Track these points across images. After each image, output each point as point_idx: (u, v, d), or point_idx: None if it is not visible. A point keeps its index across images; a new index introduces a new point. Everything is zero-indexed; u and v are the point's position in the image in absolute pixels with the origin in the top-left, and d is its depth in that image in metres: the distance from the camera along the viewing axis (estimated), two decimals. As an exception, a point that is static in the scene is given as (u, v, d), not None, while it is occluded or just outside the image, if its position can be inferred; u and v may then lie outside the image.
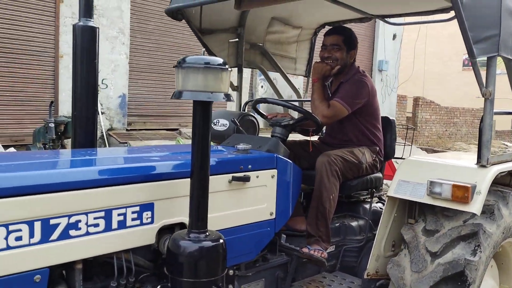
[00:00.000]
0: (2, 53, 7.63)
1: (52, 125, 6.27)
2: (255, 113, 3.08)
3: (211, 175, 1.97)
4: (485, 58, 2.35)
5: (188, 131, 9.88)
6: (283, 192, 2.36)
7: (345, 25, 3.73)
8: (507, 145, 15.74)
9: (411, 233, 2.49)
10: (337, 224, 2.94)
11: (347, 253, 2.93)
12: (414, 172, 2.55)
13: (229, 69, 1.71)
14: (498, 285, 2.82)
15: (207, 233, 1.73)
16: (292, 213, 2.55)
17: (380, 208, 3.22)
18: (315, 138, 3.21)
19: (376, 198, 3.41)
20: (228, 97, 1.68)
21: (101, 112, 8.66)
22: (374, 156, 2.97)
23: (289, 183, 2.41)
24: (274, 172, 2.29)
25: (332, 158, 2.67)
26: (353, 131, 2.98)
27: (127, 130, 9.42)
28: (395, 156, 3.25)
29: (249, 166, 2.17)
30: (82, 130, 2.31)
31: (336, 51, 2.97)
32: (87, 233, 1.63)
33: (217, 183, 2.04)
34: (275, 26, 3.82)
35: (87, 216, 1.63)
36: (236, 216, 2.14)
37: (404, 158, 3.12)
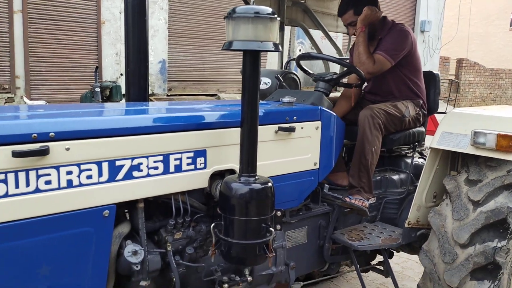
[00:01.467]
0: (47, 21, 7.91)
1: (98, 89, 6.52)
2: (298, 70, 3.13)
3: (260, 125, 2.08)
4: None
5: (226, 96, 10.01)
6: (326, 143, 2.44)
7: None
8: None
9: (453, 183, 2.52)
10: (378, 178, 2.99)
11: (388, 205, 3.00)
12: (458, 124, 2.56)
13: (278, 18, 1.77)
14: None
15: (257, 177, 1.85)
16: (334, 168, 2.63)
17: (422, 162, 3.24)
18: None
19: (417, 154, 3.43)
20: (276, 46, 1.74)
21: (142, 78, 8.87)
22: (418, 109, 2.98)
23: (332, 135, 2.48)
24: (318, 124, 2.37)
25: (375, 111, 2.71)
26: (396, 84, 2.98)
27: (167, 95, 9.66)
28: (438, 111, 3.24)
29: (294, 118, 2.25)
30: (136, 86, 2.44)
31: (358, 26, 2.91)
32: (148, 175, 1.78)
33: (264, 133, 2.13)
34: (317, -18, 3.80)
35: (147, 159, 1.77)
36: (282, 165, 2.25)
37: (445, 112, 3.12)
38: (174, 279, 1.93)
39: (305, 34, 4.00)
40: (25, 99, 6.43)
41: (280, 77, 2.94)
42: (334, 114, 2.48)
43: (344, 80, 3.02)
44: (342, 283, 3.92)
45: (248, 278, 2.16)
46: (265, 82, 3.47)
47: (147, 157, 1.77)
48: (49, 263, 1.57)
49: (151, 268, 1.83)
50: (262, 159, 2.13)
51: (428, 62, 14.11)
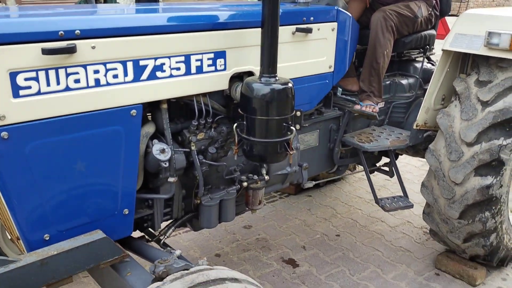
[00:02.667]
0: None
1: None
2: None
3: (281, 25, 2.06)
4: None
5: None
6: (342, 46, 2.43)
7: None
8: None
9: (463, 85, 2.57)
10: (387, 82, 3.02)
11: (396, 109, 3.06)
12: (472, 25, 2.54)
13: None
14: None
15: (277, 78, 1.87)
16: (345, 74, 2.64)
17: (430, 67, 3.26)
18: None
19: (425, 59, 3.43)
20: None
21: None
22: (430, 9, 2.92)
23: (347, 38, 2.46)
24: (334, 25, 2.34)
25: (387, 13, 2.66)
26: None
27: None
28: (450, 13, 3.18)
29: (311, 18, 2.21)
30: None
31: None
32: (171, 76, 1.79)
33: (282, 34, 2.10)
34: None
35: (169, 59, 1.77)
36: (299, 67, 2.26)
37: (458, 15, 3.07)
38: (197, 177, 2.03)
39: None
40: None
41: None
42: (350, 15, 2.44)
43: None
44: (345, 186, 4.13)
45: (266, 177, 2.28)
46: None
47: (169, 57, 1.77)
48: (84, 160, 1.64)
49: (178, 165, 1.91)
50: (280, 61, 2.13)
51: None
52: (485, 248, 2.62)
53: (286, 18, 2.13)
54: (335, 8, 2.34)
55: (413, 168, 4.47)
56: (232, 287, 1.53)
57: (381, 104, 2.95)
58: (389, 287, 2.76)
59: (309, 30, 2.17)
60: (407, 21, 2.77)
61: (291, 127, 1.88)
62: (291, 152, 1.91)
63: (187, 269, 1.61)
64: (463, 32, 2.55)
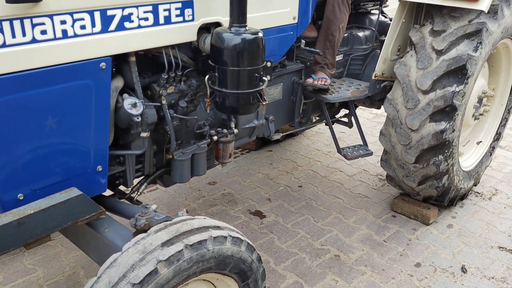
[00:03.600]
0: None
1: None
2: None
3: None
4: None
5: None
6: (303, -4, 2.43)
7: None
8: None
9: (419, 35, 2.68)
10: (345, 35, 3.08)
11: (354, 62, 3.15)
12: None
13: None
14: (487, 85, 3.16)
15: (247, 28, 1.86)
16: None
17: (386, 18, 3.34)
18: None
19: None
20: None
21: None
22: None
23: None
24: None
25: None
26: None
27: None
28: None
29: None
30: None
31: None
32: (139, 26, 1.73)
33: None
34: None
35: (137, 9, 1.70)
36: (262, 19, 2.24)
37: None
38: (169, 132, 2.02)
39: None
40: None
41: None
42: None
43: None
44: (303, 140, 4.24)
45: (235, 130, 2.30)
46: None
47: (137, 7, 1.70)
48: (54, 116, 1.58)
49: (149, 120, 1.89)
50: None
51: None
52: (438, 189, 2.83)
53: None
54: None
55: (365, 121, 4.66)
56: (216, 234, 1.58)
57: (339, 57, 3.02)
58: (350, 230, 2.93)
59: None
60: None
61: (263, 78, 1.90)
62: (263, 103, 1.93)
63: (169, 220, 1.63)
64: (418, -17, 2.63)
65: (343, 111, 3.35)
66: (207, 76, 1.92)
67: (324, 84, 2.72)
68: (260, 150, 4.00)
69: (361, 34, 3.15)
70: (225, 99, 1.91)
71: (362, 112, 4.75)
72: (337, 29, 2.75)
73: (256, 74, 1.89)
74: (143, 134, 1.86)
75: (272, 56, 2.41)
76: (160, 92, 1.93)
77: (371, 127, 4.48)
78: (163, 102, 1.94)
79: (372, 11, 3.30)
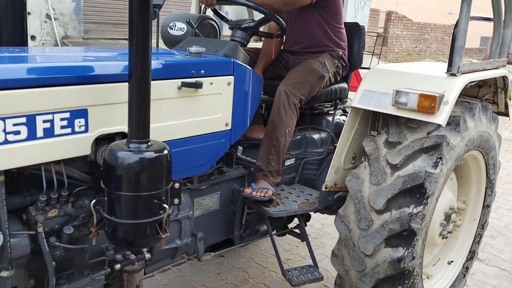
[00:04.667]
0: None
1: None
2: (216, 16, 2.78)
3: (157, 79, 1.76)
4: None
5: (150, 41, 9.32)
6: (240, 101, 2.16)
7: None
8: (472, 62, 15.83)
9: (372, 145, 2.39)
10: (298, 137, 2.81)
11: (307, 166, 2.84)
12: (380, 82, 2.39)
13: None
14: (456, 198, 2.83)
15: (149, 143, 1.55)
16: (251, 122, 2.38)
17: (344, 120, 3.10)
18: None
19: (340, 111, 3.29)
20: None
21: (54, 18, 7.97)
22: (336, 61, 2.78)
23: (247, 92, 2.20)
24: (231, 79, 2.07)
25: (290, 88, 2.48)
26: (314, 30, 2.74)
27: (83, 38, 8.79)
28: (362, 66, 3.07)
29: (202, 72, 1.93)
30: (10, 26, 2.01)
31: None
32: (6, 142, 1.41)
33: (165, 89, 1.82)
34: None
35: (4, 122, 1.40)
36: (187, 126, 1.95)
37: (369, 68, 2.95)
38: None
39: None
40: None
41: (193, 23, 2.58)
42: (250, 68, 2.19)
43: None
44: (262, 242, 3.82)
45: (146, 255, 1.91)
46: (179, 28, 3.08)
47: (3, 119, 1.39)
48: None
49: (15, 254, 1.50)
50: (163, 120, 1.85)
51: (359, 14, 14.08)
52: (400, 324, 2.39)
53: (170, 71, 1.83)
54: (232, 60, 2.08)
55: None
56: None
57: (291, 161, 2.72)
58: None
59: (198, 85, 1.89)
60: (312, 86, 2.60)
61: (164, 205, 1.55)
62: (163, 236, 1.57)
63: None
64: (372, 89, 2.39)
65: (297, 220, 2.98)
66: (93, 201, 1.57)
67: (264, 196, 2.38)
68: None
69: (316, 136, 2.88)
70: (116, 230, 1.54)
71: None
72: (283, 134, 2.47)
73: (156, 201, 1.54)
74: (3, 274, 1.47)
75: (198, 167, 2.09)
76: (36, 217, 1.56)
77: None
78: (39, 229, 1.56)
79: (329, 112, 3.06)
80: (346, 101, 3.15)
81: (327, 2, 2.69)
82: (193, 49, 2.00)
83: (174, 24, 3.11)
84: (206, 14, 3.31)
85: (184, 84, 1.85)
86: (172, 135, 1.89)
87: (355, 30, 2.96)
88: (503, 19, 2.56)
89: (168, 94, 1.83)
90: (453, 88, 2.19)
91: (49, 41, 8.04)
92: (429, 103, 2.14)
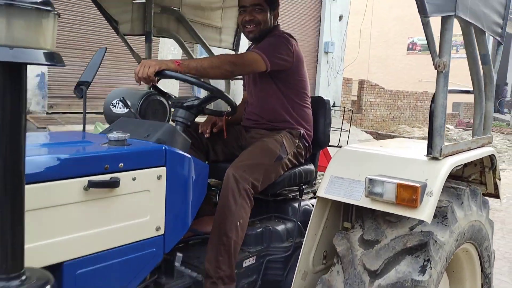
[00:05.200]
0: None
1: None
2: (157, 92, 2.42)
3: (53, 180, 1.34)
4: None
5: (118, 114, 9.01)
6: (176, 197, 1.73)
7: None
8: (449, 128, 15.97)
9: (345, 244, 1.96)
10: (259, 230, 2.36)
11: (271, 265, 2.37)
12: (350, 166, 2.02)
13: (54, 11, 1.05)
14: (448, 297, 2.38)
15: (24, 277, 1.08)
16: (199, 212, 1.94)
17: (313, 205, 2.68)
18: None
19: (311, 193, 2.89)
20: (53, 58, 1.02)
21: (14, 93, 7.63)
22: (297, 141, 2.41)
23: (186, 185, 1.78)
24: (162, 171, 1.66)
25: (240, 172, 2.09)
26: (275, 106, 2.41)
27: (48, 113, 8.42)
28: (330, 144, 2.71)
29: (120, 165, 1.52)
30: None
31: (259, 12, 2.38)
32: None
33: (64, 191, 1.38)
34: (193, -13, 3.15)
35: None
36: (100, 236, 1.49)
37: (340, 146, 2.59)
38: None
39: (181, 47, 3.32)
40: None
41: (126, 101, 2.21)
42: (189, 156, 1.79)
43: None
44: None
45: None
46: (123, 105, 2.72)
47: None
48: None
49: None
50: (64, 232, 1.39)
51: (332, 83, 14.25)
52: None
53: (73, 167, 1.40)
54: (163, 148, 1.68)
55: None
56: None
57: (251, 261, 2.26)
58: None
59: (112, 184, 1.46)
60: (268, 171, 2.22)
61: None
62: None
63: None
64: (340, 175, 2.01)
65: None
66: None
67: None
68: None
69: (280, 227, 2.44)
70: None
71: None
72: (233, 228, 2.02)
73: None
74: None
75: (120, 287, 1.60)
76: None
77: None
78: None
79: (296, 197, 2.64)
80: (315, 183, 2.75)
81: (289, 75, 2.39)
82: (113, 135, 1.60)
83: (117, 101, 2.75)
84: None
85: (92, 184, 1.42)
86: (77, 252, 1.43)
87: (319, 105, 2.63)
88: (484, 91, 2.27)
89: (70, 198, 1.39)
90: (436, 175, 1.82)
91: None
92: (410, 194, 1.75)
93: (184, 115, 2.03)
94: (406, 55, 22.41)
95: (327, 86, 14.12)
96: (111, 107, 2.72)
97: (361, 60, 17.91)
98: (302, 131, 2.42)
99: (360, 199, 1.90)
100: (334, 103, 14.27)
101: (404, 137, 13.36)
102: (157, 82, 2.04)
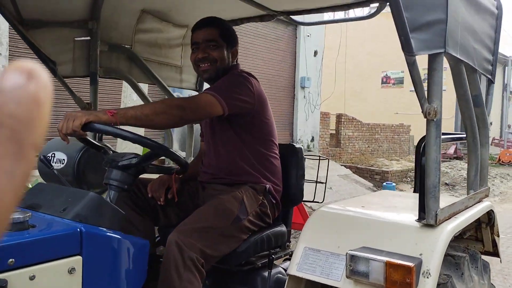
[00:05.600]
0: None
1: None
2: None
3: None
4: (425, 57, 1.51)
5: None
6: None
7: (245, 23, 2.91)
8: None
9: None
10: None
11: None
12: (328, 234, 1.64)
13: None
14: None
15: None
16: None
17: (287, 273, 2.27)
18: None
19: (286, 255, 2.48)
20: None
21: None
22: (261, 198, 2.02)
23: (114, 275, 1.36)
24: (76, 261, 1.24)
25: (185, 238, 1.68)
26: (235, 158, 2.04)
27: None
28: (304, 199, 2.33)
29: (10, 261, 1.10)
30: None
31: (214, 49, 2.04)
32: None
33: None
34: (147, 22, 2.81)
35: None
36: None
37: (317, 202, 2.22)
38: None
39: (133, 89, 2.95)
40: None
41: (45, 159, 1.81)
42: (118, 235, 1.38)
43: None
44: None
45: None
46: (59, 159, 2.31)
47: None
48: None
49: None
50: None
51: (310, 117, 14.08)
52: None
53: None
54: (79, 229, 1.26)
55: None
56: None
57: None
58: None
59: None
60: (224, 236, 1.82)
61: None
62: None
63: None
64: (316, 246, 1.63)
65: None
66: None
67: None
68: None
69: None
70: None
71: None
72: None
73: None
74: None
75: None
76: None
77: None
78: None
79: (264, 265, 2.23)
80: (288, 245, 2.35)
81: (250, 120, 2.03)
82: (15, 215, 1.19)
83: (53, 155, 2.35)
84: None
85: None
86: None
87: (290, 153, 2.27)
88: (478, 137, 1.95)
89: None
90: (433, 248, 1.45)
91: None
92: (402, 276, 1.38)
93: (120, 177, 1.63)
94: (381, 89, 22.62)
95: (305, 121, 13.96)
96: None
97: (337, 94, 17.94)
98: (267, 186, 2.05)
99: (340, 280, 1.51)
100: (313, 137, 14.06)
101: (383, 171, 13.14)
102: (86, 136, 1.64)
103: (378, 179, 12.57)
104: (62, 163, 2.26)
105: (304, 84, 14.12)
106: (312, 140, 14.39)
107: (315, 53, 14.38)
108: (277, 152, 2.16)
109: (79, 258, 1.23)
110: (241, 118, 1.98)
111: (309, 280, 1.65)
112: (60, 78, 2.43)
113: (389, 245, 1.49)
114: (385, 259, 1.41)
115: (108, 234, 1.34)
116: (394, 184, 10.27)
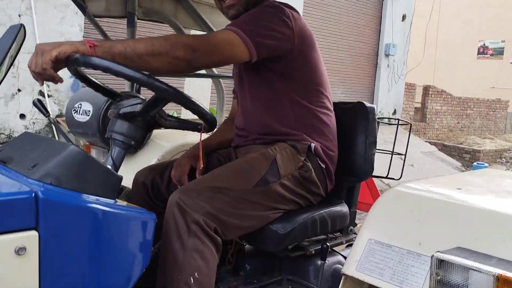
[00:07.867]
0: None
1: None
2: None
3: None
4: None
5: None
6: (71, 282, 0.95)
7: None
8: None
9: None
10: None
11: None
12: (404, 224, 1.15)
13: None
14: None
15: None
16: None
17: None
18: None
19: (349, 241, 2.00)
20: None
21: (48, 95, 7.30)
22: (303, 159, 1.52)
23: (94, 261, 0.98)
24: (29, 239, 0.87)
25: (189, 198, 1.27)
26: (271, 116, 1.55)
27: (83, 117, 8.09)
28: (374, 173, 1.79)
29: None
30: None
31: None
32: None
33: None
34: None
35: None
36: None
37: (393, 178, 1.71)
38: None
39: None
40: None
41: (38, 104, 1.48)
42: (104, 205, 0.99)
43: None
44: None
45: None
46: (85, 110, 2.00)
47: None
48: None
49: None
50: None
51: (393, 88, 13.07)
52: None
53: None
54: (34, 193, 0.89)
55: None
56: None
57: None
58: None
59: None
60: (241, 202, 1.36)
61: None
62: None
63: None
64: (385, 240, 1.14)
65: None
66: None
67: None
68: None
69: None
70: None
71: None
72: (184, 286, 1.20)
73: None
74: None
75: None
76: None
77: None
78: None
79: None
80: (351, 230, 1.85)
81: (289, 64, 1.51)
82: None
83: (79, 105, 2.05)
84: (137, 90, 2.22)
85: None
86: None
87: (358, 113, 1.72)
88: None
89: None
90: None
91: (41, 119, 7.32)
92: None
93: (124, 130, 1.24)
94: (476, 60, 20.57)
95: (387, 92, 12.99)
96: (73, 113, 2.03)
97: (425, 64, 16.50)
98: (313, 144, 1.54)
99: (420, 292, 1.02)
100: (395, 110, 13.06)
101: (474, 149, 11.87)
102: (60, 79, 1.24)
103: (467, 159, 11.40)
104: (88, 115, 1.96)
105: (389, 52, 13.06)
106: (394, 113, 13.38)
107: (403, 17, 13.18)
108: (330, 106, 1.63)
109: (33, 233, 0.86)
110: (276, 62, 1.48)
111: (372, 285, 1.17)
112: (91, 17, 2.09)
113: (502, 249, 0.96)
114: (496, 270, 0.89)
115: (85, 201, 0.95)
116: (486, 164, 9.15)
